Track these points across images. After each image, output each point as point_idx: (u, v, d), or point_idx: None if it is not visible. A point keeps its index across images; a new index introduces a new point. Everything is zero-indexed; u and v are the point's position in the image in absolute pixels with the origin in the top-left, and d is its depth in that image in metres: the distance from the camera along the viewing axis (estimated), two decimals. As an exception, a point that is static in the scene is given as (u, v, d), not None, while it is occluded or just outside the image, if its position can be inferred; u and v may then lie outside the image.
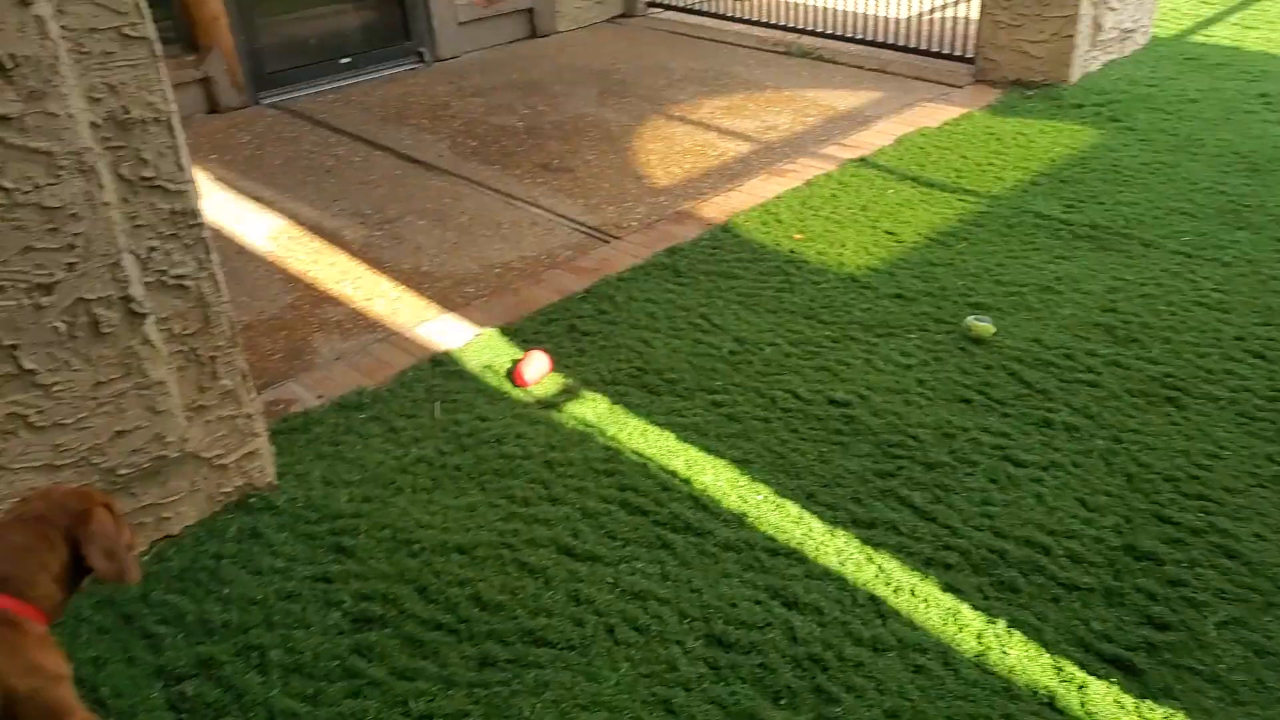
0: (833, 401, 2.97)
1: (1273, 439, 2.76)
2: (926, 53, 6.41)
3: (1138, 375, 3.06)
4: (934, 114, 5.52)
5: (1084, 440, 2.76)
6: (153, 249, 2.25)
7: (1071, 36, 5.62)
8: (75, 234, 2.09)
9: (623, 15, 7.84)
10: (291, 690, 2.08)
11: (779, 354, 3.25)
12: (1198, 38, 6.67)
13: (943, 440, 2.78)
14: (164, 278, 2.29)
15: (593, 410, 3.01)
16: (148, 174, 2.20)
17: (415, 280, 3.94)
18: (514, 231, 4.35)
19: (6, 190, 1.99)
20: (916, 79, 6.18)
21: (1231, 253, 3.83)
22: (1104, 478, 2.61)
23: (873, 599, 2.25)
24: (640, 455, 2.78)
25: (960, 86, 6.01)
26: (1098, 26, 5.82)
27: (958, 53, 6.33)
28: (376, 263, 4.10)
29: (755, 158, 5.06)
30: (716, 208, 4.47)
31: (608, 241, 4.21)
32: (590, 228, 4.35)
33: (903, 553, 2.35)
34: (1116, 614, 2.16)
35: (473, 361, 3.31)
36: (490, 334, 3.48)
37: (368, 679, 2.10)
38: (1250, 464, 2.64)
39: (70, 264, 2.11)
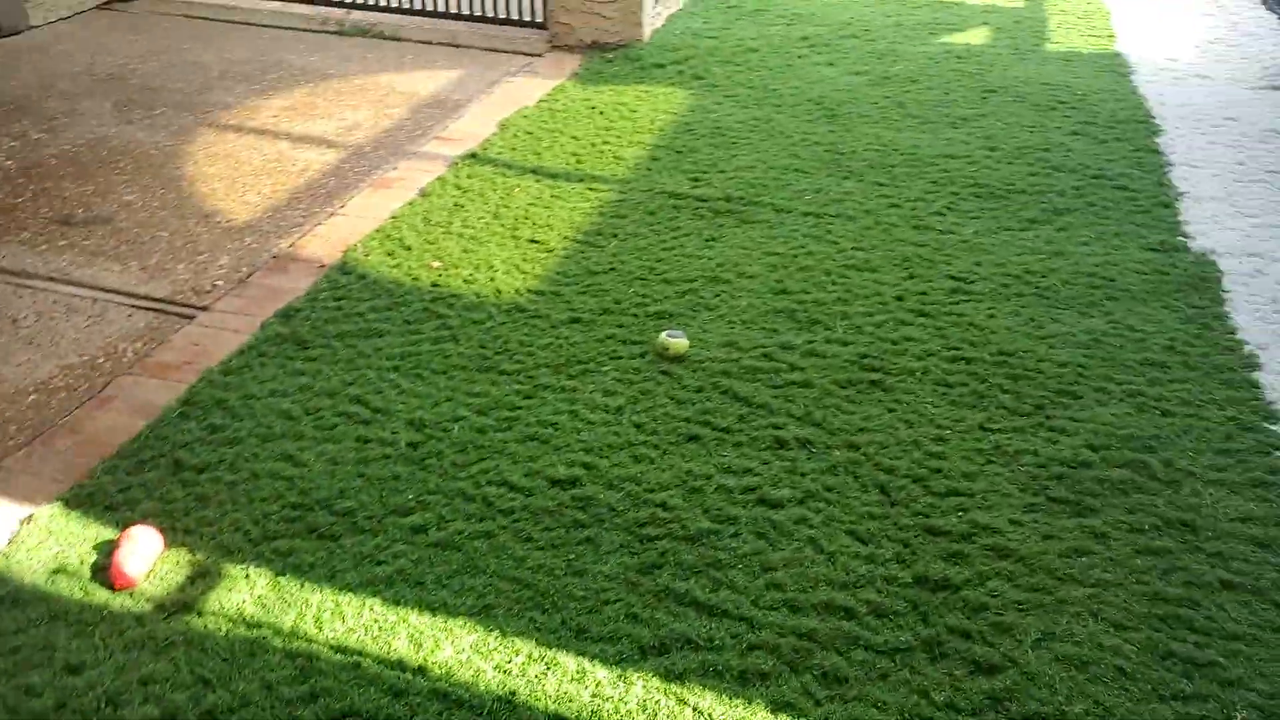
0: (557, 483, 2.50)
1: (972, 404, 2.79)
2: (495, 20, 5.96)
3: (836, 362, 2.97)
4: (526, 90, 5.12)
5: (823, 456, 2.59)
6: None
7: (639, -6, 5.49)
8: None
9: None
10: None
11: (470, 432, 2.69)
12: (729, -16, 6.94)
13: (692, 500, 2.44)
14: None
15: (249, 596, 2.18)
16: None
17: (-81, 434, 2.76)
18: (41, 329, 3.22)
19: None
20: (491, 50, 5.73)
21: (850, 206, 3.92)
22: (860, 497, 2.45)
23: (697, 741, 1.87)
24: (344, 652, 2.05)
25: (540, 55, 5.66)
26: (660, -19, 5.76)
27: (527, 18, 5.97)
28: None
29: (348, 167, 4.32)
30: (324, 242, 3.71)
31: (192, 317, 3.28)
32: (159, 300, 3.38)
33: (711, 675, 1.97)
34: (946, 671, 1.99)
35: (29, 570, 2.24)
36: (49, 513, 2.40)
37: None
38: (970, 440, 2.64)
39: None
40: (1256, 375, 2.81)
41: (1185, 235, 3.59)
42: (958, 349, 3.01)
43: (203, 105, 4.91)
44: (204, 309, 3.31)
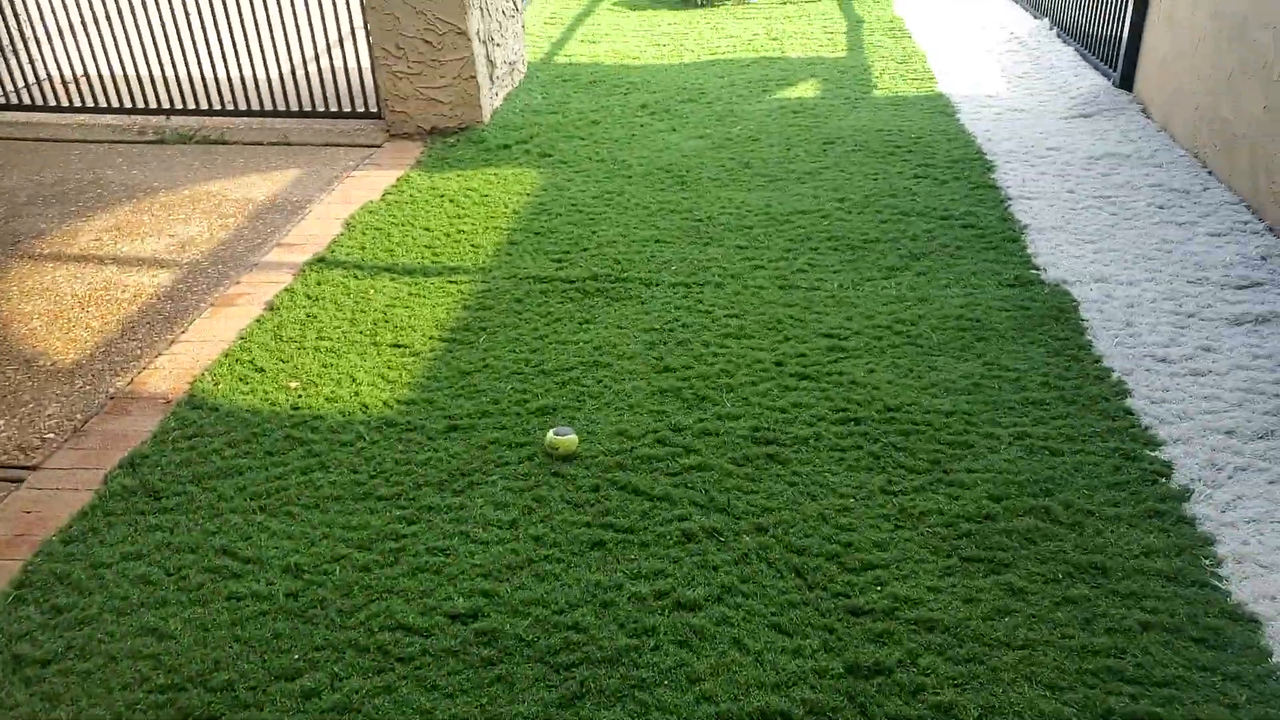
0: (457, 618, 2.31)
1: (870, 467, 2.76)
2: (327, 113, 5.76)
3: (730, 439, 2.90)
4: (369, 184, 4.94)
5: (733, 544, 2.50)
6: None
7: (474, 77, 5.42)
8: None
9: (-96, 128, 5.88)
10: None
11: (354, 572, 2.47)
12: (561, 58, 6.98)
13: (605, 616, 2.30)
14: None
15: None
16: None
17: None
18: None
19: None
20: (328, 145, 5.52)
21: (716, 272, 3.91)
22: (778, 584, 2.36)
23: None
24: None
25: (379, 146, 5.49)
26: (492, 64, 5.71)
27: (360, 108, 5.80)
28: None
29: (185, 287, 4.02)
30: (167, 374, 3.41)
31: (20, 480, 2.93)
32: (-13, 463, 3.02)
33: (658, 812, 1.83)
34: (895, 766, 1.90)
35: None
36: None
37: None
38: (875, 507, 2.60)
39: None
40: (1129, 402, 2.90)
41: (1036, 268, 3.73)
42: (845, 409, 3.00)
43: (10, 235, 4.51)
44: (33, 468, 2.97)
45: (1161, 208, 4.03)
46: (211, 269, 4.17)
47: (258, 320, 3.70)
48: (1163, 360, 3.02)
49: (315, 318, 3.70)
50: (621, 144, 5.31)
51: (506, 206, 4.59)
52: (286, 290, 3.91)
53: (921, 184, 4.59)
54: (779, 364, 3.26)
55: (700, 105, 5.88)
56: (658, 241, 4.19)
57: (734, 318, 3.56)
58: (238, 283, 4.03)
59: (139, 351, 3.58)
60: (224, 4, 5.68)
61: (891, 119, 5.46)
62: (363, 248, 4.24)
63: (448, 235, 4.32)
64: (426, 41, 5.32)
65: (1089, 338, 3.24)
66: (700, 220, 4.36)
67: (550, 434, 2.87)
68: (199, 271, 4.15)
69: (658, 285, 3.83)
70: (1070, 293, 3.52)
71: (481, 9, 5.49)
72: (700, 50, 7.07)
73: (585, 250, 4.13)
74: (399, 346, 3.49)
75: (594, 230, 4.31)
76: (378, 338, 3.55)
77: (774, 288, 3.75)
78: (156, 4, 5.67)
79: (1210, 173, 4.33)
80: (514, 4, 6.11)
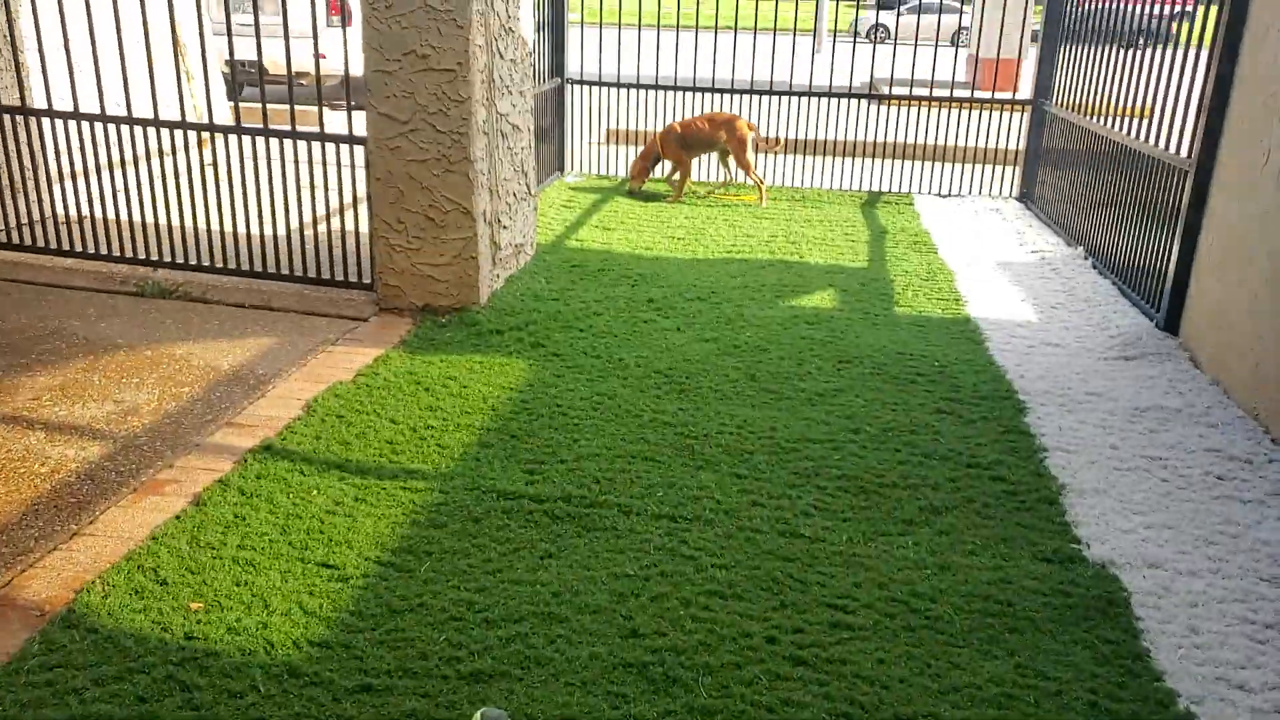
0: None
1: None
2: (318, 280, 5.47)
3: (700, 742, 2.33)
4: (344, 361, 4.56)
5: None
6: None
7: (475, 258, 5.14)
8: None
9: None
10: None
11: None
12: (573, 243, 6.78)
13: None
14: None
15: None
16: None
17: None
18: None
19: None
20: (312, 314, 5.20)
21: (708, 505, 3.42)
22: None
23: None
24: None
25: (366, 319, 5.16)
26: (496, 245, 5.46)
27: (353, 278, 5.51)
28: None
29: (111, 466, 3.56)
30: (53, 578, 2.90)
31: None
32: None
33: None
34: None
35: None
36: None
37: None
38: None
39: None
40: (1200, 746, 2.33)
41: (1078, 540, 3.21)
42: (848, 714, 2.43)
43: (-58, 385, 4.11)
44: None
45: (1220, 478, 3.55)
46: (148, 445, 3.73)
47: (178, 517, 3.22)
48: (1241, 688, 2.46)
49: (243, 520, 3.21)
50: (621, 340, 4.95)
51: (485, 401, 4.17)
52: (220, 482, 3.44)
53: (946, 421, 4.15)
54: (771, 640, 2.72)
55: (709, 305, 5.56)
56: (646, 459, 3.73)
57: (723, 569, 3.04)
58: (170, 466, 3.57)
59: (32, 543, 3.08)
60: (228, 159, 5.50)
61: (914, 341, 5.09)
62: (318, 437, 3.80)
63: (413, 430, 3.88)
64: (429, 218, 5.07)
65: (1145, 644, 2.69)
66: (696, 438, 3.91)
67: (478, 718, 2.31)
68: (133, 448, 3.70)
69: (639, 515, 3.33)
70: (1119, 578, 2.99)
71: (491, 190, 5.27)
72: (715, 247, 6.85)
73: (563, 462, 3.67)
74: (328, 567, 2.98)
75: (576, 439, 3.86)
76: (307, 553, 3.05)
77: (773, 533, 3.25)
78: (173, 155, 5.51)
79: (1274, 440, 3.87)
80: (527, 187, 5.93)
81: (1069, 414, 4.15)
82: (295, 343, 4.80)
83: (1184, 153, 5.06)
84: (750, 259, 6.57)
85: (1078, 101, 7.13)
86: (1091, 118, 6.75)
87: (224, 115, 8.94)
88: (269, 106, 7.95)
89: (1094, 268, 6.33)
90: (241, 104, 8.96)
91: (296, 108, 5.51)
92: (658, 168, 8.53)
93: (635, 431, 3.96)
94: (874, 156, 9.18)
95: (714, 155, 8.46)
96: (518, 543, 3.15)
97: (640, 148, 8.74)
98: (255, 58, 11.27)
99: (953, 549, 3.18)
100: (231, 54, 5.41)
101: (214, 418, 3.97)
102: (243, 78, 12.85)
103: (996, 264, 6.57)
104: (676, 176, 8.32)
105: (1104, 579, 2.99)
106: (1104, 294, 5.78)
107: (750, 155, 7.93)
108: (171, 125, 5.35)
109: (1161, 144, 5.38)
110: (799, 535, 3.24)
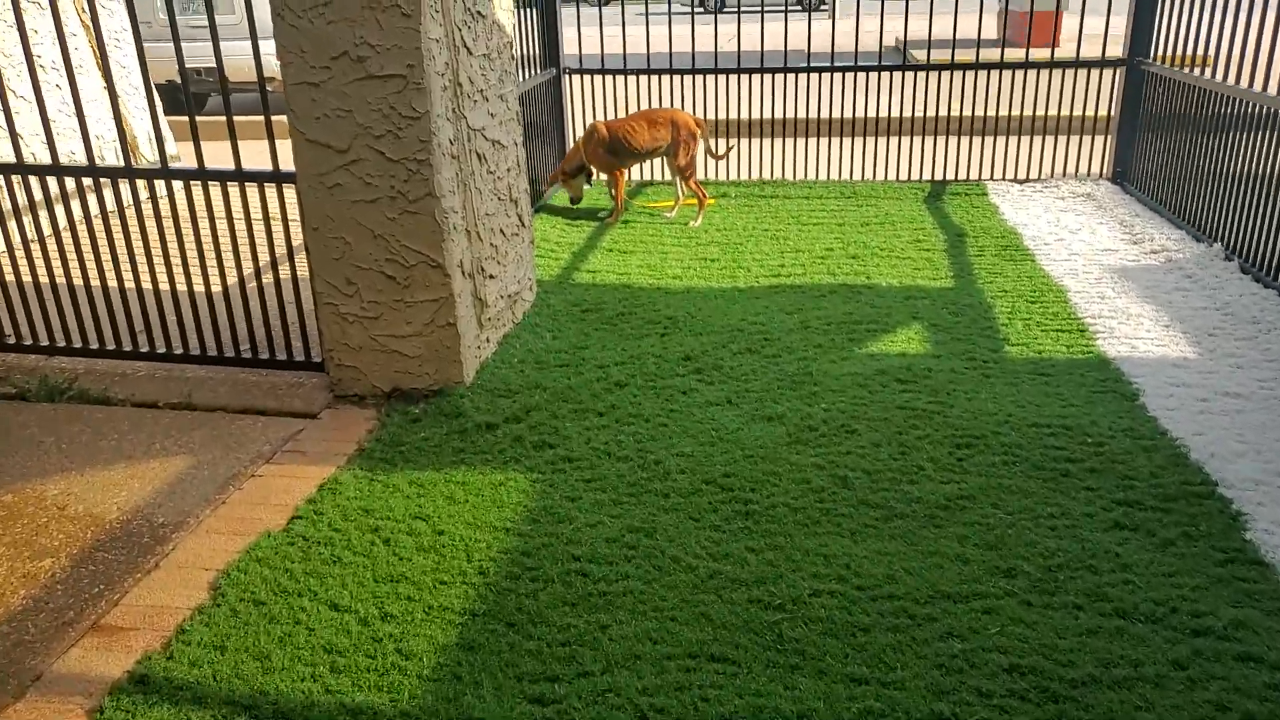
0: None
1: None
2: (254, 361, 4.22)
3: None
4: (278, 493, 3.31)
5: None
6: None
7: (453, 324, 3.87)
8: None
9: None
10: None
11: None
12: (583, 275, 5.48)
13: None
14: None
15: None
16: None
17: None
18: None
19: None
20: (247, 412, 3.94)
21: (820, 742, 2.16)
22: None
23: None
24: None
25: (315, 414, 3.90)
26: (481, 303, 4.17)
27: (299, 356, 4.26)
28: None
29: (-102, 731, 2.33)
30: None
31: None
32: None
33: None
34: None
35: None
36: None
37: None
38: None
39: None
40: None
41: None
42: None
43: None
44: None
45: None
46: (-31, 678, 2.49)
47: None
48: None
49: None
50: (655, 428, 3.68)
51: (470, 559, 2.91)
52: (55, 761, 2.20)
53: (1130, 545, 2.86)
54: None
55: (764, 359, 4.28)
56: (712, 659, 2.47)
57: None
58: (-9, 723, 2.34)
59: None
60: (125, 230, 4.21)
61: (1047, 402, 3.79)
62: (221, 649, 2.55)
63: (364, 625, 2.63)
64: (388, 276, 3.80)
65: None
66: (781, 607, 2.65)
67: None
68: (-56, 685, 2.46)
69: (713, 788, 2.07)
70: None
71: (469, 232, 3.99)
72: (759, 269, 5.54)
73: (586, 676, 2.41)
74: None
75: (605, 623, 2.60)
76: None
77: (933, 820, 1.98)
78: (62, 203, 4.25)
79: None
80: (519, 220, 4.63)
81: (1320, 533, 2.85)
82: (216, 463, 3.55)
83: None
84: (806, 284, 5.26)
85: (1204, 55, 5.74)
86: (1227, 77, 5.37)
87: (153, 152, 7.66)
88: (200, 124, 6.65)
89: (1243, 270, 4.99)
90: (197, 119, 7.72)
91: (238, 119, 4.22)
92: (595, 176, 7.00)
93: (690, 600, 2.69)
94: (924, 135, 7.78)
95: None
96: None
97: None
98: (214, 64, 10.03)
99: None
100: (181, 63, 4.13)
101: (75, 617, 2.73)
102: (199, 88, 11.55)
103: (1112, 271, 5.24)
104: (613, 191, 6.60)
105: None
106: (1272, 310, 4.45)
107: (692, 159, 6.36)
108: (42, 171, 4.09)
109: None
110: (979, 826, 1.97)
